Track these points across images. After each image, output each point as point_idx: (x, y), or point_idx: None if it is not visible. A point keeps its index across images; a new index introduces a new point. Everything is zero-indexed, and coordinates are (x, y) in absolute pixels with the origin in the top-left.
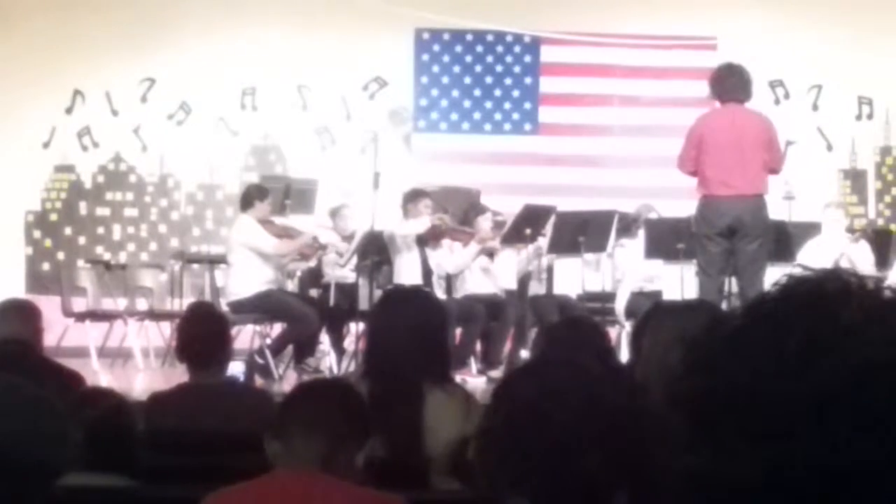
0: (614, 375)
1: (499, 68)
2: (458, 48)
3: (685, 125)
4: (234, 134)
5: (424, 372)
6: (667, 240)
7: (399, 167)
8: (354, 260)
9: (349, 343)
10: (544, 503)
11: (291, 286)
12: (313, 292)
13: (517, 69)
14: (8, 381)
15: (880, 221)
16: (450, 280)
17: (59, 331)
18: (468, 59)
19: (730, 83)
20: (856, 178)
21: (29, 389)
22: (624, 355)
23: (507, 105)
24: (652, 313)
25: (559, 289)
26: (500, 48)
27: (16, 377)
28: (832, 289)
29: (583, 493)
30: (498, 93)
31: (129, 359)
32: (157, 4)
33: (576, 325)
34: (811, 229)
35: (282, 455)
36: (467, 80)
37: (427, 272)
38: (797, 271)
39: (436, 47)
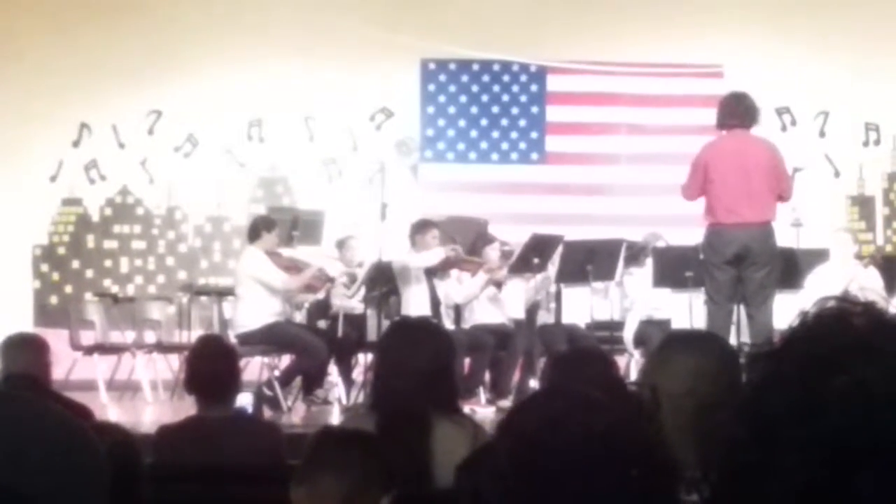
0: (622, 405)
1: (505, 98)
2: (465, 78)
3: (692, 153)
4: (242, 166)
5: (433, 402)
6: (675, 268)
7: (406, 198)
8: (362, 291)
9: (358, 374)
10: None
11: (299, 318)
12: (321, 323)
13: (523, 98)
14: (43, 413)
15: (889, 247)
16: (458, 310)
17: (67, 364)
18: (474, 88)
19: (735, 111)
20: (864, 205)
21: (65, 421)
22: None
23: (513, 134)
24: (664, 345)
25: (568, 318)
26: (506, 77)
27: (52, 407)
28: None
29: None
30: (504, 122)
31: (137, 392)
32: (163, 37)
33: (584, 355)
34: (819, 256)
35: (305, 500)
36: (474, 109)
37: (435, 302)
38: (829, 304)
39: (442, 77)
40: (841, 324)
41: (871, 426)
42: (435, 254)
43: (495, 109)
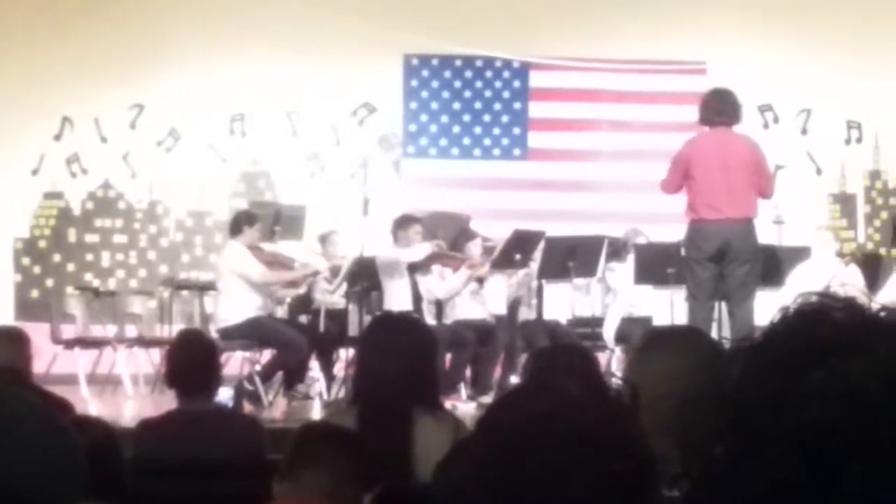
0: (603, 402)
1: (488, 93)
2: (447, 73)
3: (674, 149)
4: (224, 160)
5: (414, 398)
6: (656, 264)
7: (388, 193)
8: (344, 286)
9: (339, 369)
10: None
11: (281, 312)
12: (303, 318)
13: (506, 94)
14: (24, 405)
15: (870, 245)
16: (440, 306)
17: (48, 358)
18: (457, 84)
19: (718, 107)
20: (845, 203)
21: (44, 414)
22: (613, 381)
23: (496, 130)
24: (647, 342)
25: (549, 314)
26: (489, 73)
27: (32, 399)
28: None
29: None
30: (487, 118)
31: (118, 386)
32: (146, 31)
33: (565, 351)
34: (801, 253)
35: (289, 494)
36: (456, 105)
37: (417, 298)
38: (810, 299)
39: (425, 73)
40: (821, 318)
41: (851, 420)
42: (422, 249)
43: (478, 105)
